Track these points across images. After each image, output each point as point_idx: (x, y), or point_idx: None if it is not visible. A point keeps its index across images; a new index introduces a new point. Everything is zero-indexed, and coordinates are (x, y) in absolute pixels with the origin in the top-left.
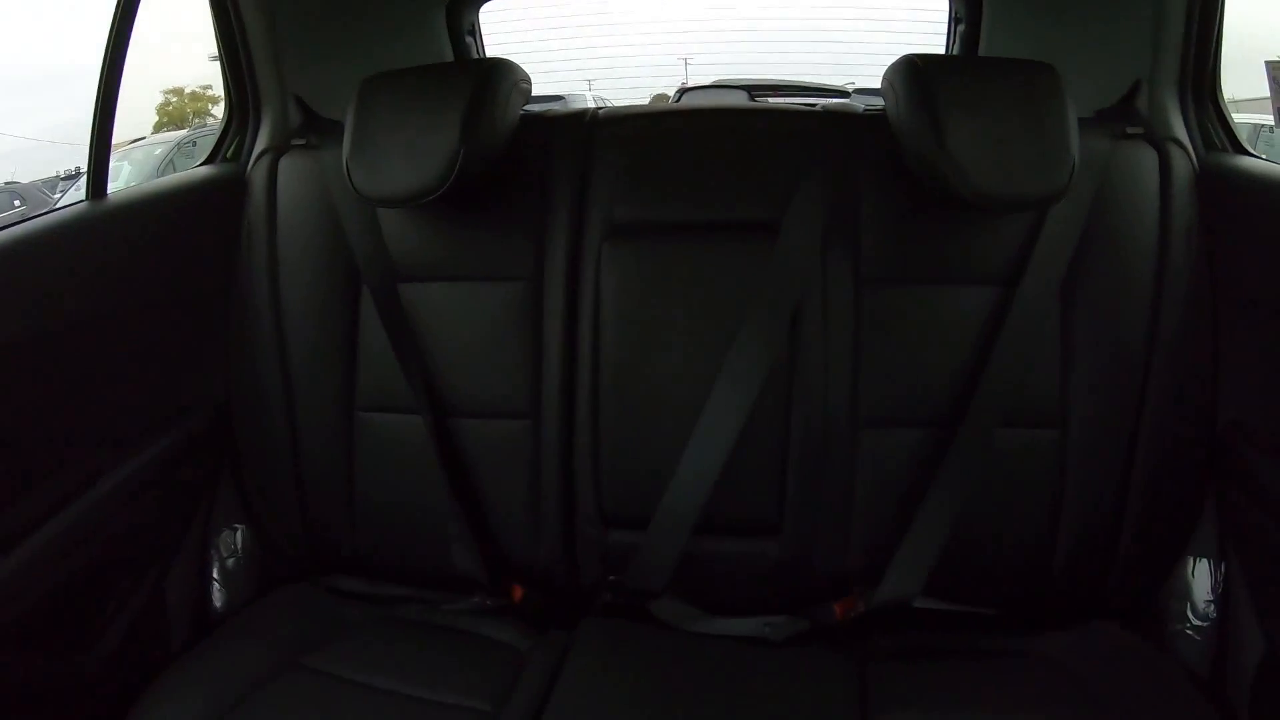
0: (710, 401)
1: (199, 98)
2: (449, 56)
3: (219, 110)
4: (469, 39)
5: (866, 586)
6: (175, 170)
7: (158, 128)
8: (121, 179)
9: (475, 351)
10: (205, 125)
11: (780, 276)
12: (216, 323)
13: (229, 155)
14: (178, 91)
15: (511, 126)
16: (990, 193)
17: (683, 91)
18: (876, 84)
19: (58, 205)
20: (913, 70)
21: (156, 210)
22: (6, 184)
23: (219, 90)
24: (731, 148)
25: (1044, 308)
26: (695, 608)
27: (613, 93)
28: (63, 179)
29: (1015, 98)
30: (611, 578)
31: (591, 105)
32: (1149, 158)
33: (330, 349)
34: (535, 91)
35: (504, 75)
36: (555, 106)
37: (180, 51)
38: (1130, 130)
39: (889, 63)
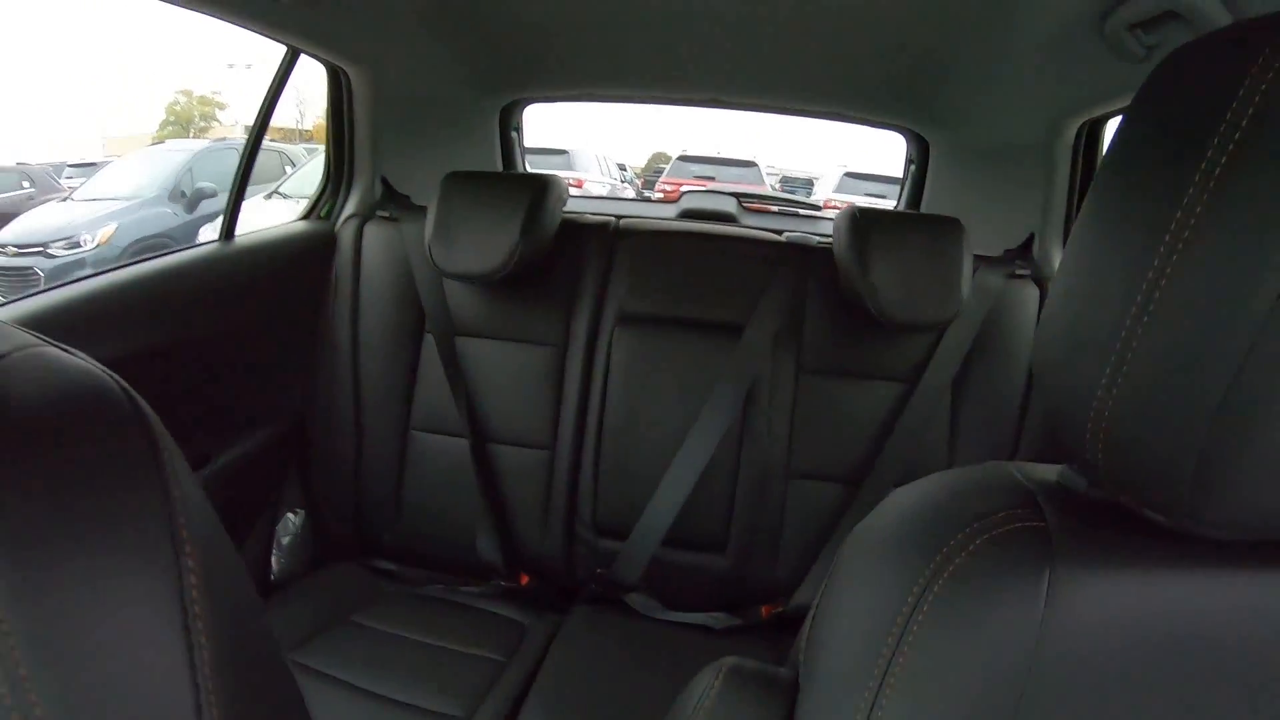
0: (682, 449)
1: (207, 102)
2: (498, 148)
3: (225, 115)
4: (514, 134)
5: (786, 595)
6: (193, 177)
7: (163, 125)
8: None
9: (510, 395)
10: (210, 128)
11: (741, 362)
12: (303, 350)
13: (322, 215)
14: (187, 93)
15: (555, 228)
16: (898, 316)
17: (684, 160)
18: (869, 165)
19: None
20: (852, 219)
21: (266, 254)
22: (19, 164)
23: (226, 97)
24: (715, 264)
25: (938, 398)
26: (658, 601)
27: (615, 148)
28: (70, 165)
29: (924, 247)
30: (599, 571)
31: (594, 160)
32: (1032, 293)
33: (395, 380)
34: (542, 144)
35: (553, 189)
36: (558, 159)
37: (200, 58)
38: (1019, 271)
39: (878, 141)
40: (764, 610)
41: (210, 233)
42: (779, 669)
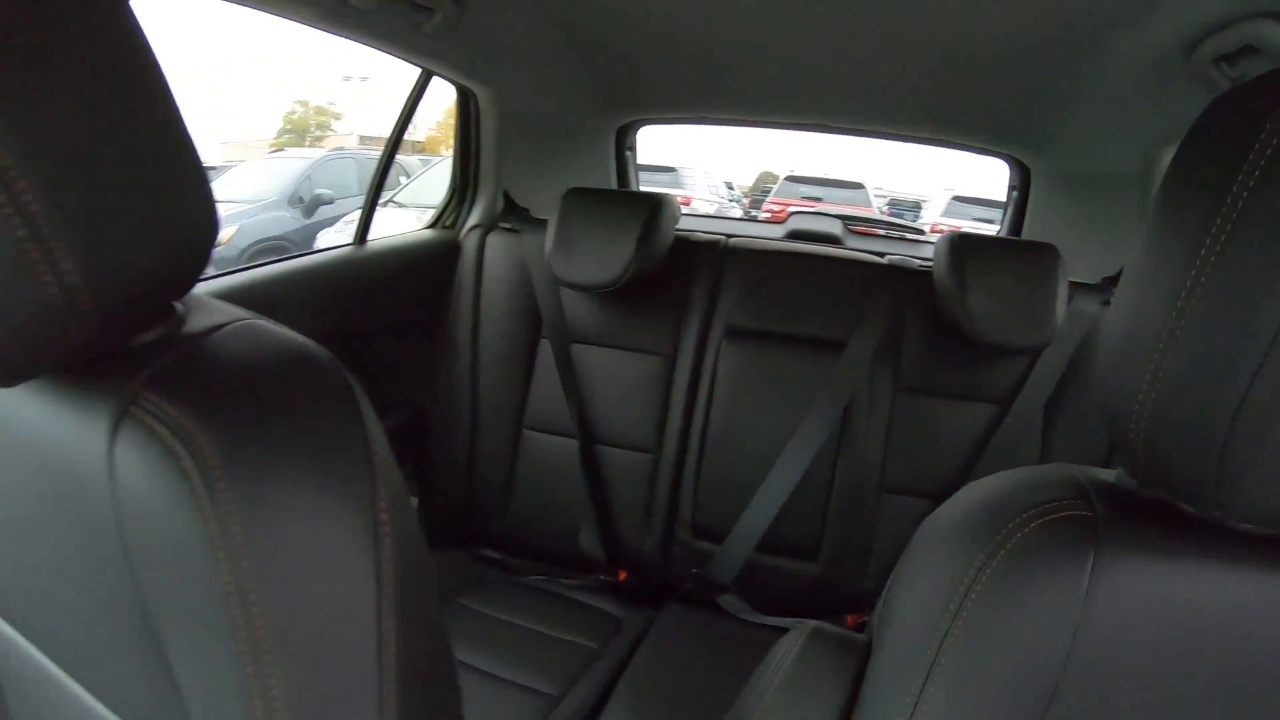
0: (780, 458)
1: (323, 112)
2: (614, 166)
3: (339, 125)
4: (628, 153)
5: (873, 605)
6: (311, 184)
7: (280, 133)
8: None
9: (619, 400)
10: (325, 138)
11: (841, 379)
12: (425, 348)
13: (447, 224)
14: (304, 102)
15: (668, 244)
16: (993, 339)
17: (792, 180)
18: (977, 190)
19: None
20: (952, 244)
21: (395, 258)
22: None
23: (341, 108)
24: (819, 284)
25: (1029, 421)
26: (748, 604)
27: (722, 166)
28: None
29: (1020, 273)
30: (694, 571)
31: (702, 178)
32: None
33: (510, 381)
34: (652, 161)
35: (667, 208)
36: (666, 177)
37: (321, 71)
38: (1111, 299)
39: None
40: (850, 619)
41: (328, 237)
42: (857, 635)
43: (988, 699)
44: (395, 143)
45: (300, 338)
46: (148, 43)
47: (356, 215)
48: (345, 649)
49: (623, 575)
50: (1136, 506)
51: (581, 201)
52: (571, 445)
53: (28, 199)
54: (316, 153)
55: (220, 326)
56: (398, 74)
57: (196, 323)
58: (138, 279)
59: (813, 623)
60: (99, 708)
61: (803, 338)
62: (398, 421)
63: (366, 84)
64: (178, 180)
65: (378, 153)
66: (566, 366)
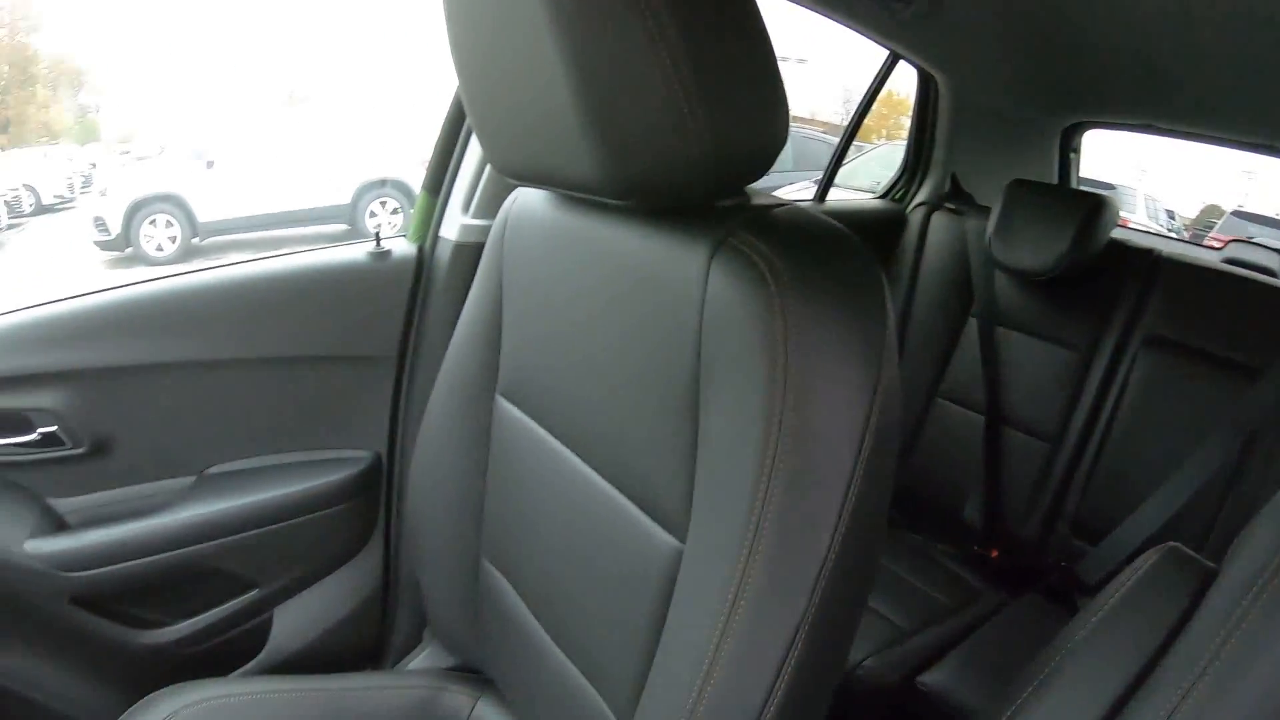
0: (1175, 474)
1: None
2: (1056, 166)
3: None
4: (1072, 155)
5: None
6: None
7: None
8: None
9: (1029, 386)
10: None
11: (1250, 407)
12: None
13: (896, 197)
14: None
15: (1102, 245)
16: None
17: (1239, 216)
18: None
19: None
20: None
21: (843, 220)
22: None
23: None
24: (1247, 309)
25: None
26: None
27: (1165, 193)
28: None
29: None
30: (1062, 564)
31: (1142, 201)
32: None
33: (932, 353)
34: (1092, 175)
35: (1107, 209)
36: (1104, 193)
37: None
38: None
39: None
40: None
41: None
42: (1209, 562)
43: None
44: (858, 119)
45: (839, 225)
46: (755, 6)
47: (785, 190)
48: (822, 486)
49: (995, 554)
50: None
51: (1025, 192)
52: (977, 420)
53: (691, 94)
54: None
55: (779, 205)
56: (836, 58)
57: (759, 200)
58: (738, 158)
59: (1170, 544)
60: (610, 490)
61: (1219, 358)
62: None
63: (804, 65)
64: (768, 98)
65: (811, 131)
66: (989, 346)
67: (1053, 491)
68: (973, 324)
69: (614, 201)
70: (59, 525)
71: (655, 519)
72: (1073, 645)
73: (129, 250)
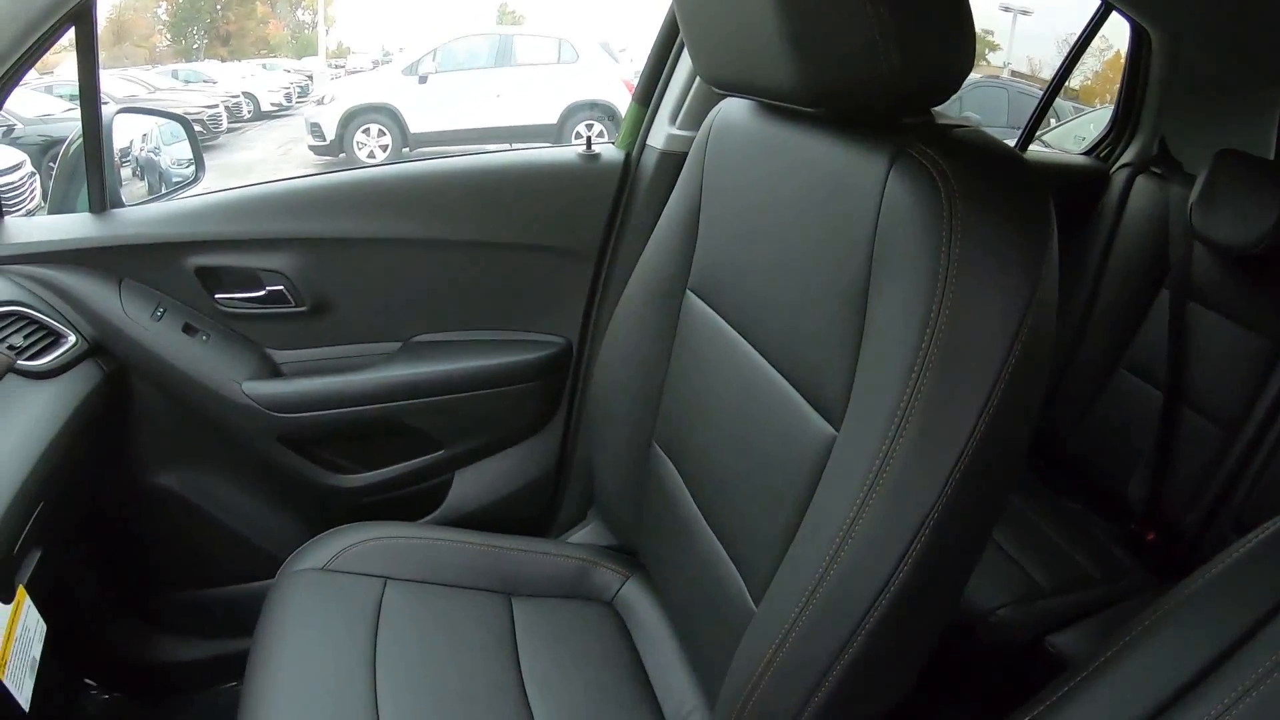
0: None
1: (978, 40)
2: (1274, 141)
3: (994, 57)
4: None
5: None
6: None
7: None
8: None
9: (1214, 367)
10: (978, 65)
11: None
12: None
13: (1101, 156)
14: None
15: None
16: None
17: None
18: None
19: None
20: None
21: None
22: None
23: (998, 39)
24: None
25: None
26: None
27: None
28: None
29: None
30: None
31: None
32: None
33: (1120, 321)
34: None
35: None
36: None
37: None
38: None
39: None
40: None
41: None
42: None
43: None
44: (1066, 71)
45: (1019, 155)
46: None
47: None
48: (969, 384)
49: (1151, 536)
50: None
51: (1235, 163)
52: (1156, 397)
53: (884, 13)
54: (971, 76)
55: (961, 125)
56: (1060, 11)
57: (943, 120)
58: (923, 80)
59: None
60: (778, 379)
61: None
62: None
63: (1028, 18)
64: (956, 28)
65: (1026, 86)
66: (1179, 319)
67: (1222, 481)
68: (1165, 296)
69: (806, 109)
70: (274, 373)
71: (816, 406)
72: (1170, 607)
73: (342, 155)
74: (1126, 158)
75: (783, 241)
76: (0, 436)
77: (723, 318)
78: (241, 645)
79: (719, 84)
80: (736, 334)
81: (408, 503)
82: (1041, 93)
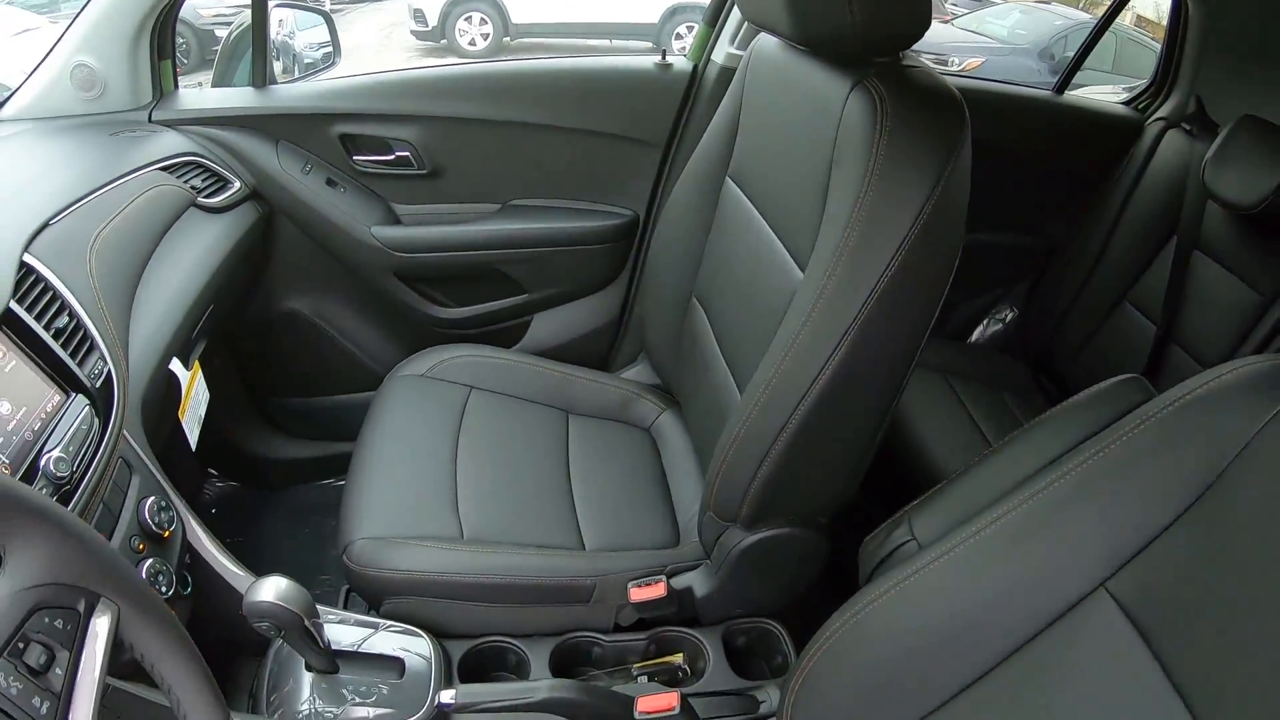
0: None
1: None
2: None
3: None
4: None
5: None
6: (1066, 44)
7: None
8: None
9: (1206, 313)
10: (1098, 5)
11: None
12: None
13: (1140, 107)
14: None
15: None
16: None
17: None
18: None
19: None
20: None
21: (1075, 117)
22: None
23: None
24: None
25: None
26: None
27: None
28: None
29: None
30: None
31: None
32: None
33: (1132, 263)
34: None
35: None
36: None
37: None
38: None
39: None
40: None
41: None
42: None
43: None
44: (1112, 15)
45: (943, 80)
46: None
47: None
48: (884, 235)
49: None
50: None
51: (1254, 125)
52: (1152, 330)
53: None
54: (1082, 16)
55: (914, 66)
56: None
57: (906, 62)
58: (882, 32)
59: (1138, 375)
60: (772, 236)
61: None
62: None
63: None
64: None
65: (1135, 33)
66: (1181, 263)
67: None
68: (1174, 242)
69: (801, 46)
70: (396, 221)
71: (794, 258)
72: (1017, 434)
73: (443, 42)
74: (1162, 112)
75: (785, 143)
76: (186, 252)
77: (748, 198)
78: (343, 448)
79: (750, 19)
80: (755, 210)
81: (492, 338)
82: (1152, 40)
